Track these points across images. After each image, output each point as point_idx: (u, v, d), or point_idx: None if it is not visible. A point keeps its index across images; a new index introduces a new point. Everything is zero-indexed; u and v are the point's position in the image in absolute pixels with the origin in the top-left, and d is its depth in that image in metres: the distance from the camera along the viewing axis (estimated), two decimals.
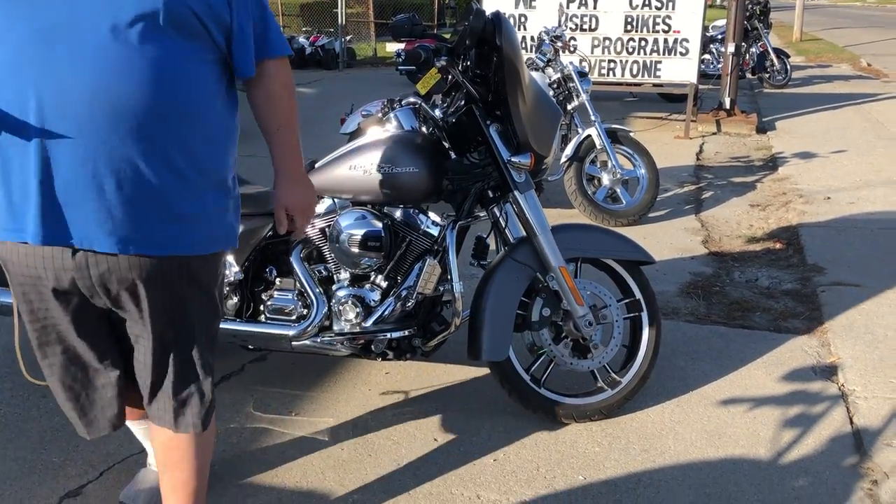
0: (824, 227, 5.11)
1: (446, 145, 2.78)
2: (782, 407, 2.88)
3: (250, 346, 2.94)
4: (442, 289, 2.70)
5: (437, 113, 2.76)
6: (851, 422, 2.77)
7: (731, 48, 8.64)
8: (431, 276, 2.65)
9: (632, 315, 2.86)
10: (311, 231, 2.86)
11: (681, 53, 8.29)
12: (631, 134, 5.30)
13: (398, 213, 2.77)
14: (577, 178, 5.20)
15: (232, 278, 2.86)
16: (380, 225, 2.71)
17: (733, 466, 2.54)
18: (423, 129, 2.82)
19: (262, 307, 2.92)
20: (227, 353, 3.23)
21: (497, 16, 2.48)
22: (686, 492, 2.41)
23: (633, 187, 5.33)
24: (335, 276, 2.85)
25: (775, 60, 11.91)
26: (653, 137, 8.34)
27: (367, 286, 2.80)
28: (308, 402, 2.95)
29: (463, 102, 2.68)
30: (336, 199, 2.83)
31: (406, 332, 2.73)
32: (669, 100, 10.14)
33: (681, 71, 8.31)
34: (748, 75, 12.11)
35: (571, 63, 5.26)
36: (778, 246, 4.81)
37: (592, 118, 5.16)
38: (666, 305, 3.85)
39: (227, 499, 2.39)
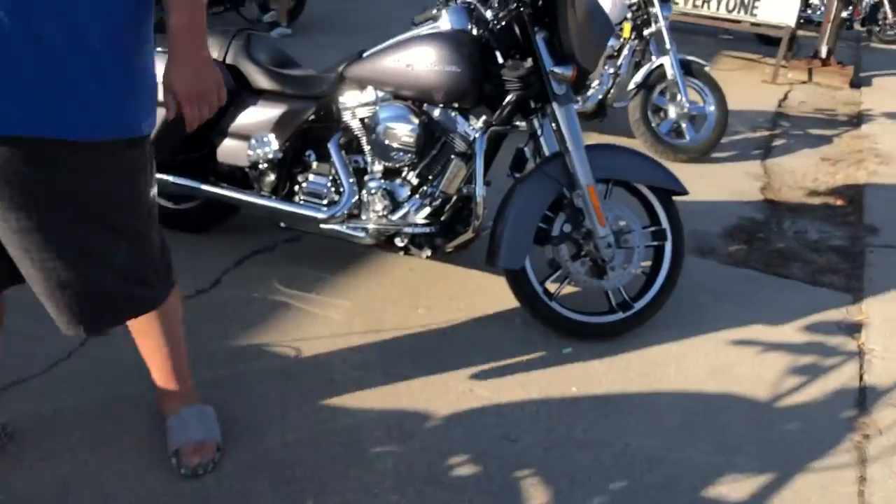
0: (892, 189, 4.91)
1: (494, 49, 2.77)
2: (794, 355, 2.87)
3: (282, 224, 3.05)
4: (467, 191, 2.74)
5: (489, 14, 2.74)
6: (861, 378, 2.75)
7: None
8: (456, 177, 2.69)
9: (656, 244, 2.86)
10: (352, 120, 2.91)
11: None
12: (706, 68, 5.13)
13: (436, 112, 2.80)
14: (643, 107, 5.09)
15: (271, 156, 2.96)
16: (416, 121, 2.74)
17: (729, 402, 2.56)
18: (474, 29, 2.81)
19: (297, 188, 3.02)
20: (262, 230, 3.37)
21: None
22: (675, 415, 2.46)
23: (699, 124, 5.19)
24: (369, 168, 2.92)
25: (889, 13, 11.20)
26: (738, 78, 8.05)
27: (398, 181, 2.86)
28: (330, 285, 3.07)
29: (514, 5, 2.65)
30: (379, 91, 2.87)
31: (429, 230, 2.79)
32: (766, 42, 9.69)
33: (780, 11, 7.93)
34: (856, 26, 11.45)
35: None
36: (838, 202, 4.66)
37: (668, 47, 5.00)
38: (705, 244, 3.81)
39: (232, 361, 2.55)
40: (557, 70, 2.59)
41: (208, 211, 3.29)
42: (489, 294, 3.10)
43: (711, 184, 4.73)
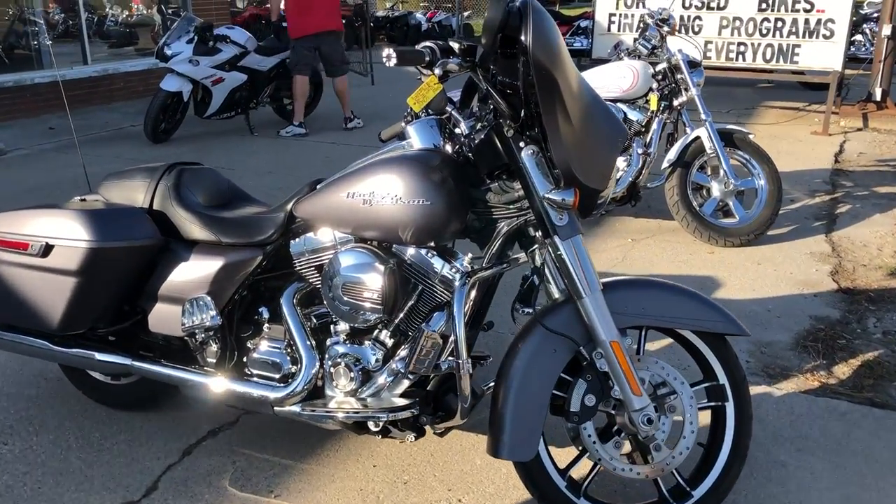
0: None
1: (475, 169, 2.15)
2: None
3: (228, 405, 2.42)
4: (447, 364, 2.08)
5: (464, 126, 2.11)
6: None
7: (886, 30, 7.45)
8: (428, 351, 2.03)
9: (712, 405, 2.15)
10: (307, 270, 2.30)
11: (824, 36, 7.25)
12: (750, 137, 4.44)
13: (409, 254, 2.17)
14: (681, 186, 4.40)
15: (209, 323, 2.34)
16: (383, 269, 2.11)
17: None
18: (447, 146, 2.19)
19: (245, 359, 2.40)
20: None
21: (525, 4, 1.80)
22: None
23: (749, 199, 4.48)
24: (332, 329, 2.29)
25: None
26: (785, 132, 7.33)
27: (368, 344, 2.22)
28: (296, 477, 2.40)
29: (489, 115, 2.03)
30: (336, 232, 2.25)
31: (409, 412, 2.13)
32: (811, 87, 8.99)
33: (823, 56, 7.25)
34: None
35: (681, 51, 4.44)
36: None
37: (703, 117, 4.33)
38: (773, 362, 3.07)
39: None
40: (554, 197, 1.94)
41: (152, 384, 2.68)
42: (500, 481, 2.40)
43: (772, 272, 4.00)
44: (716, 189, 4.42)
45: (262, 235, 2.34)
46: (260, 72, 7.61)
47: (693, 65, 4.45)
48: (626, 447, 2.09)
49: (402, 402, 2.15)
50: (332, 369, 2.22)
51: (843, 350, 3.20)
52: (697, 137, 4.37)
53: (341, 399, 2.21)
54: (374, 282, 2.11)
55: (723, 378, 2.12)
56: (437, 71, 1.93)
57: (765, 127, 7.48)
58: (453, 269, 2.13)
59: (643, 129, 4.51)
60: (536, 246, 2.15)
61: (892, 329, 3.39)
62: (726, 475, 2.11)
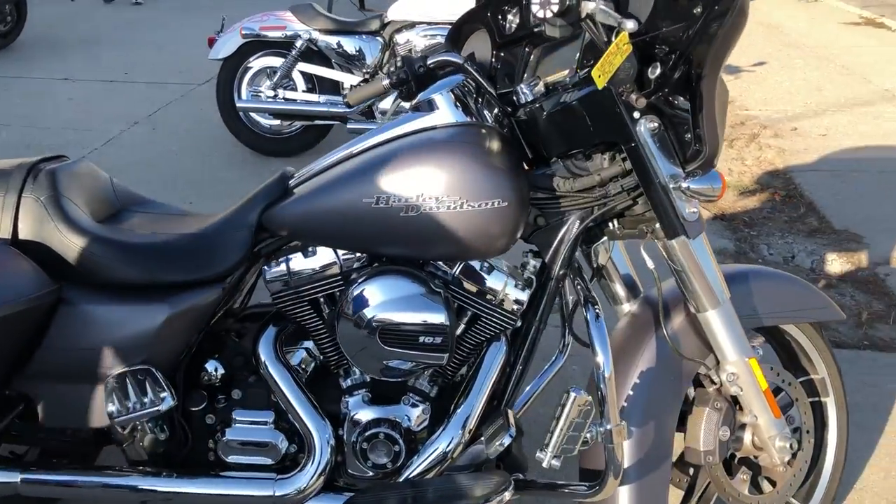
0: (816, 170, 4.33)
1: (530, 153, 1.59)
2: None
3: None
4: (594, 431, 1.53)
5: (526, 93, 1.52)
6: None
7: None
8: (580, 423, 1.46)
9: (812, 401, 1.85)
10: (295, 307, 1.59)
11: None
12: None
13: (457, 272, 1.56)
14: None
15: (161, 406, 1.55)
16: (439, 299, 1.50)
17: None
18: (487, 117, 1.59)
19: (211, 444, 1.65)
20: None
21: None
22: None
23: None
24: (343, 382, 1.63)
25: None
26: None
27: (405, 400, 1.61)
28: None
29: (578, 78, 1.46)
30: (339, 251, 1.57)
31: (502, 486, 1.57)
32: None
33: None
34: None
35: None
36: (778, 198, 3.99)
37: None
38: None
39: None
40: (697, 186, 1.44)
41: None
42: None
43: None
44: None
45: (220, 265, 1.58)
46: None
47: None
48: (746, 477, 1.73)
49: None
50: (362, 444, 1.58)
51: None
52: None
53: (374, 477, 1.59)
54: (433, 318, 1.50)
55: (822, 371, 1.83)
56: (630, 24, 1.29)
57: None
58: (520, 283, 1.57)
59: None
60: (604, 240, 1.67)
61: (786, 254, 3.40)
62: (834, 482, 1.85)
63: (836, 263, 3.32)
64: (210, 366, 1.67)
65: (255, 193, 1.61)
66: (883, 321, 2.88)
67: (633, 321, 1.67)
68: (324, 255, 1.57)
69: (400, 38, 4.04)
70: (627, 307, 1.75)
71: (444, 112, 1.54)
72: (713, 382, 1.62)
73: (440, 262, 1.57)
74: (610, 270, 1.76)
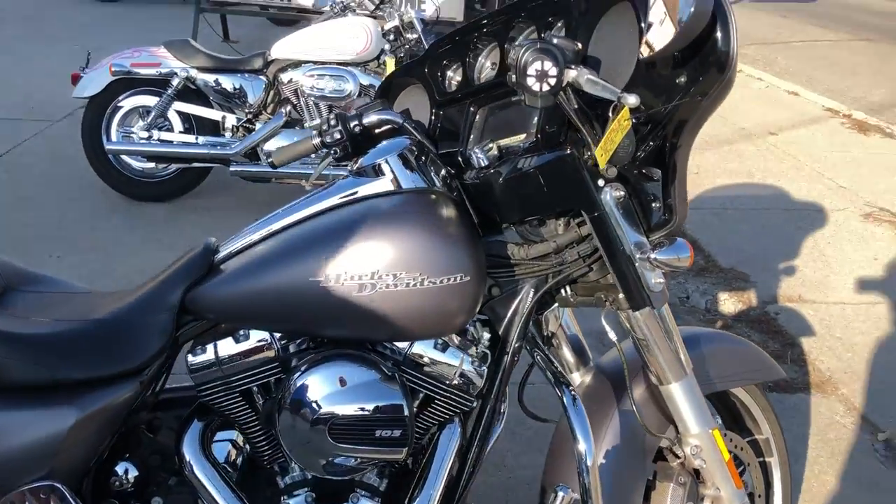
0: (694, 208, 4.48)
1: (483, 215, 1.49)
2: None
3: None
4: None
5: (481, 157, 1.41)
6: None
7: None
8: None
9: (759, 461, 1.83)
10: (224, 399, 1.40)
11: None
12: None
13: (410, 352, 1.43)
14: None
15: None
16: (397, 386, 1.36)
17: None
18: (434, 181, 1.47)
19: None
20: None
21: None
22: None
23: None
24: (280, 480, 1.45)
25: None
26: None
27: (359, 497, 1.45)
28: None
29: (540, 144, 1.36)
30: (274, 334, 1.40)
31: None
32: None
33: None
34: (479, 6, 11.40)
35: (413, 9, 3.95)
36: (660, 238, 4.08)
37: None
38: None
39: None
40: (664, 257, 1.37)
41: None
42: None
43: None
44: None
45: (137, 357, 1.37)
46: None
47: (425, 23, 3.99)
48: None
49: None
50: None
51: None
52: None
53: None
54: (390, 408, 1.35)
55: (766, 431, 1.81)
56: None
57: None
58: (475, 359, 1.45)
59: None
60: (555, 306, 1.59)
61: (681, 294, 3.46)
62: None
63: (728, 303, 3.41)
64: (121, 468, 1.45)
65: (176, 270, 1.41)
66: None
67: (590, 394, 1.58)
68: (257, 339, 1.40)
69: (285, 77, 3.86)
70: (578, 377, 1.66)
71: (394, 178, 1.41)
72: (676, 456, 1.56)
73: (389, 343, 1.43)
74: (559, 337, 1.67)
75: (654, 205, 1.36)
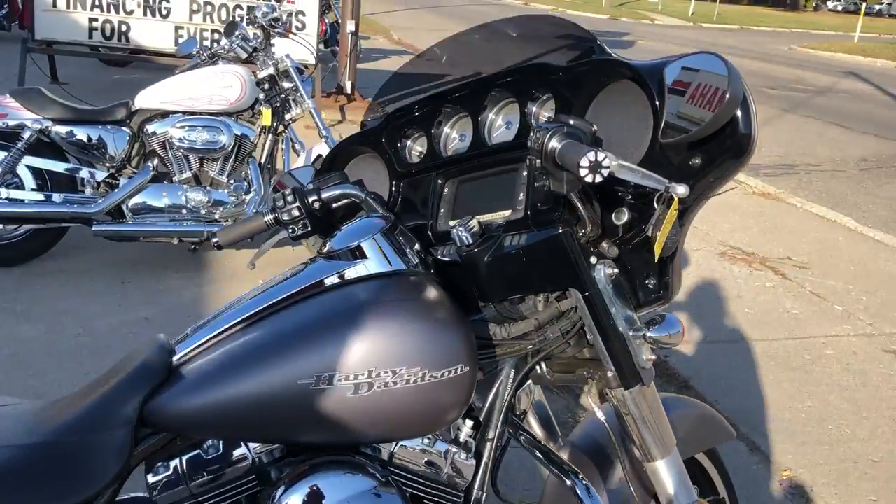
0: None
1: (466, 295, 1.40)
2: None
3: None
4: None
5: (465, 236, 1.33)
6: None
7: (350, 27, 7.72)
8: None
9: None
10: None
11: (297, 28, 7.13)
12: None
13: (397, 450, 1.31)
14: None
15: None
16: (396, 494, 1.25)
17: None
18: (414, 261, 1.37)
19: None
20: None
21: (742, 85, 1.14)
22: None
23: None
24: None
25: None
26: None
27: None
28: None
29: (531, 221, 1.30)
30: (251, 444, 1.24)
31: None
32: None
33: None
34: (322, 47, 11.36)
35: (289, 56, 3.80)
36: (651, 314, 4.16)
37: (323, 133, 3.82)
38: None
39: None
40: (657, 335, 1.34)
41: None
42: None
43: None
44: None
45: (89, 484, 1.16)
46: None
47: (302, 71, 3.87)
48: None
49: None
50: None
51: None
52: (320, 155, 3.82)
53: None
54: None
55: (722, 491, 1.83)
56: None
57: None
58: (464, 455, 1.36)
59: (254, 150, 3.77)
60: (528, 384, 1.53)
61: None
62: None
63: None
64: None
65: (128, 375, 1.22)
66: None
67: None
68: (229, 450, 1.23)
69: (151, 128, 3.58)
70: None
71: (377, 261, 1.29)
72: None
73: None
74: (529, 415, 1.61)
75: (648, 282, 1.33)
